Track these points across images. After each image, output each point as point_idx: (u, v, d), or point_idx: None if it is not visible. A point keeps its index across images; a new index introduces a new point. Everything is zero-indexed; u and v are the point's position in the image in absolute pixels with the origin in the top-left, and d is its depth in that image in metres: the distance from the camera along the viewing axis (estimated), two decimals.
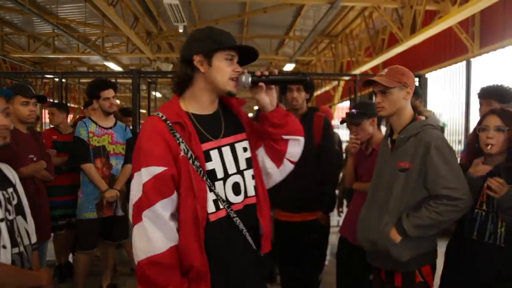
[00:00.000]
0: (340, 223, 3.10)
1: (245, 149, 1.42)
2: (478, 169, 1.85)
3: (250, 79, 1.35)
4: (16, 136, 2.50)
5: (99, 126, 3.09)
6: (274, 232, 3.00)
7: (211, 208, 1.30)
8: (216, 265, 1.29)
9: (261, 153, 1.49)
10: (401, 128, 1.81)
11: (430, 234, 1.75)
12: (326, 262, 4.07)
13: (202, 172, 1.28)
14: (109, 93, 3.07)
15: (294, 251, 2.85)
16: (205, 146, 1.33)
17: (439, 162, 1.67)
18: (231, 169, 1.36)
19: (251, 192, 1.40)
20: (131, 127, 4.18)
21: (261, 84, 1.37)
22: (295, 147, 1.48)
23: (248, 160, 1.42)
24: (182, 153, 1.28)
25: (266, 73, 1.37)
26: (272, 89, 1.41)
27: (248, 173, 1.40)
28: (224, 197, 1.32)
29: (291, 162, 1.53)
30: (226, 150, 1.37)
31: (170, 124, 1.29)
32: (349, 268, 2.53)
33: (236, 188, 1.36)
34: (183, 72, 1.35)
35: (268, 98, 1.40)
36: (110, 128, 3.14)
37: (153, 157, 1.25)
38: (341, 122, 2.71)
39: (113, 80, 4.23)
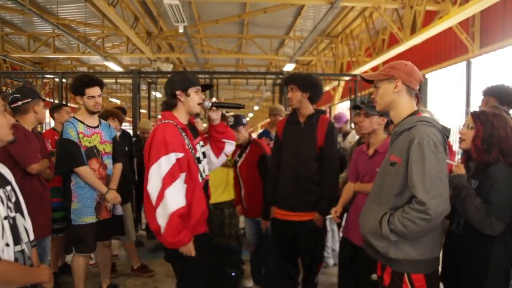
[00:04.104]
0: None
1: (201, 146, 2.28)
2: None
3: (210, 104, 2.20)
4: (27, 135, 2.74)
5: (87, 125, 2.91)
6: (271, 231, 3.04)
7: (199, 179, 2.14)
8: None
9: (208, 148, 2.35)
10: (398, 122, 1.78)
11: (412, 238, 1.64)
12: (331, 261, 4.07)
13: (195, 157, 2.14)
14: (95, 91, 2.87)
15: (288, 249, 2.89)
16: (195, 142, 2.18)
17: (416, 159, 1.59)
18: (201, 157, 2.24)
19: (207, 172, 2.28)
20: (122, 125, 4.08)
21: (213, 108, 2.23)
22: (230, 147, 2.39)
23: (203, 153, 2.29)
24: (186, 146, 2.07)
25: (215, 100, 2.26)
26: (218, 111, 2.27)
27: (205, 161, 2.28)
28: (203, 173, 2.19)
29: (226, 155, 2.41)
30: (198, 146, 2.24)
31: (179, 128, 2.09)
32: (351, 269, 2.54)
33: (204, 169, 2.23)
34: (171, 102, 2.14)
35: (216, 115, 2.26)
36: (97, 127, 2.98)
37: (177, 147, 2.00)
38: (354, 107, 2.72)
39: (112, 80, 4.21)
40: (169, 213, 1.92)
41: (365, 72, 8.46)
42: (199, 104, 2.16)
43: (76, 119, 2.90)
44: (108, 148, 3.02)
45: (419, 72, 1.78)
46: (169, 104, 2.15)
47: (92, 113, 2.93)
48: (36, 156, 2.74)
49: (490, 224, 1.75)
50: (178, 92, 2.11)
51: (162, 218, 1.93)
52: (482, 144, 1.85)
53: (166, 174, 1.94)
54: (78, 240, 2.88)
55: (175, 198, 1.95)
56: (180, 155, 1.99)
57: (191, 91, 2.12)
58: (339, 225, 4.33)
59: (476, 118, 1.91)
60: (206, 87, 2.33)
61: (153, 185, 1.95)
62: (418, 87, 1.79)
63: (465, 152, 2.05)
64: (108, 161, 3.00)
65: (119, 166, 3.07)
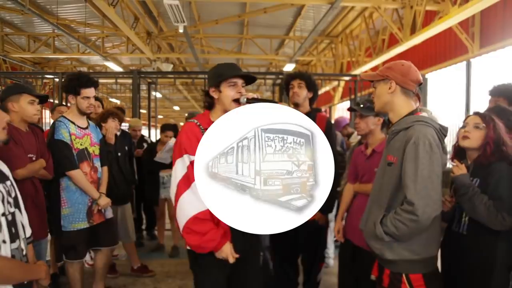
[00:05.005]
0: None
1: None
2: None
3: (245, 100, 1.85)
4: (16, 135, 2.47)
5: (78, 126, 2.78)
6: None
7: None
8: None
9: None
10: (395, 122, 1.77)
11: (405, 240, 1.62)
12: (332, 262, 4.07)
13: None
14: (91, 92, 2.75)
15: (289, 250, 2.86)
16: None
17: (410, 159, 1.59)
18: None
19: None
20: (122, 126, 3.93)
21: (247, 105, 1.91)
22: None
23: None
24: None
25: (251, 95, 1.89)
26: None
27: None
28: None
29: None
30: None
31: (202, 128, 1.84)
32: (351, 269, 2.53)
33: None
34: (208, 100, 1.93)
35: None
36: (87, 128, 2.86)
37: (190, 148, 1.79)
38: (350, 109, 2.73)
39: (112, 80, 4.16)
40: (188, 217, 1.77)
41: (365, 72, 8.47)
42: (235, 100, 1.86)
43: (67, 119, 2.77)
44: (97, 150, 2.91)
45: (418, 72, 1.75)
46: (208, 104, 1.96)
47: (84, 114, 2.82)
48: (22, 161, 2.45)
49: (502, 219, 1.76)
50: (211, 90, 1.90)
51: (181, 222, 1.80)
52: (492, 145, 1.87)
53: (181, 178, 1.81)
54: (69, 247, 2.77)
55: (193, 201, 1.77)
56: (194, 157, 1.78)
57: (224, 85, 1.86)
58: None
59: (488, 120, 1.92)
60: (250, 80, 1.96)
61: (171, 190, 1.87)
62: (417, 88, 1.76)
63: (457, 151, 2.05)
64: (97, 163, 2.89)
65: (106, 169, 2.99)
